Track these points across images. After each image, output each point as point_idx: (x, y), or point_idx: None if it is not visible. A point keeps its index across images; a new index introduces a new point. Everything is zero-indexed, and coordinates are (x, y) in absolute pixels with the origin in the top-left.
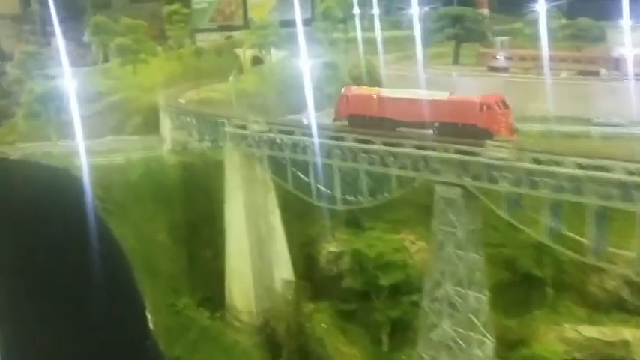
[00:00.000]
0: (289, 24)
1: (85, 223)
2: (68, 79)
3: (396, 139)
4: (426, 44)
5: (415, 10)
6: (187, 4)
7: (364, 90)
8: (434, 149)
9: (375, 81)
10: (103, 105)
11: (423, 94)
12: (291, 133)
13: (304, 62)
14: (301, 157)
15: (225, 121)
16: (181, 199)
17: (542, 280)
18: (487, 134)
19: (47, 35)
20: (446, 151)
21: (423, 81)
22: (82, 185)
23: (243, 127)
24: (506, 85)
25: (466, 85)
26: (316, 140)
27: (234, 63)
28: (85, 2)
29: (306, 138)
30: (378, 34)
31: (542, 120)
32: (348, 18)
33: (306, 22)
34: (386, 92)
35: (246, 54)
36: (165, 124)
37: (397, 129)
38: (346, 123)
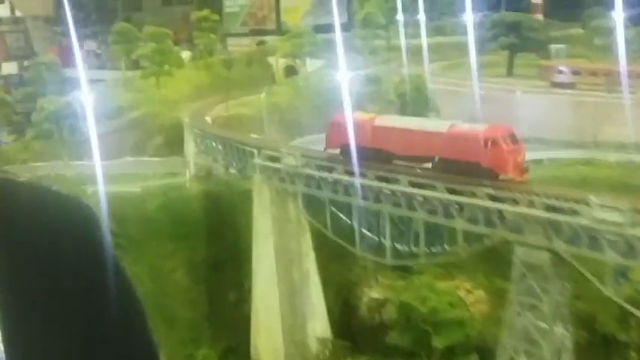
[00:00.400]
0: (324, 29)
1: (95, 261)
2: (85, 93)
3: (462, 185)
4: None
5: (469, 17)
6: (217, 10)
7: (358, 117)
8: (515, 202)
9: (424, 98)
10: (123, 122)
11: (421, 124)
12: (331, 169)
13: (343, 75)
14: (343, 199)
15: (255, 151)
16: (203, 235)
17: (625, 343)
18: (492, 174)
19: (80, 38)
20: (531, 204)
21: (478, 98)
22: (93, 217)
23: (276, 159)
24: (575, 105)
25: (528, 104)
26: (362, 182)
27: (266, 72)
28: (117, 4)
29: (349, 178)
30: (424, 42)
31: (619, 147)
32: (390, 24)
33: (343, 27)
34: (381, 120)
35: (279, 63)
36: (190, 146)
37: (394, 162)
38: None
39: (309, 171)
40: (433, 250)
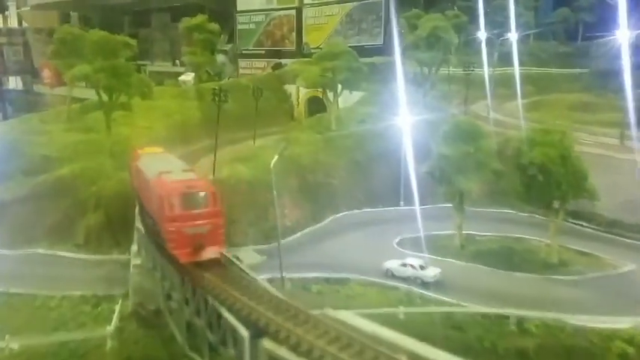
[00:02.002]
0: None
1: None
2: None
3: None
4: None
5: (624, 34)
6: (229, 27)
7: (137, 152)
8: None
9: (572, 173)
10: (43, 183)
11: (149, 165)
12: None
13: (405, 122)
14: None
15: (245, 335)
16: None
17: None
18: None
19: None
20: None
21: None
22: None
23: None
24: None
25: None
26: None
27: (280, 106)
28: (124, 19)
29: None
30: (517, 71)
31: None
32: (463, 45)
33: (377, 51)
34: (142, 160)
35: (300, 94)
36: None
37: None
38: None
39: None
40: None
